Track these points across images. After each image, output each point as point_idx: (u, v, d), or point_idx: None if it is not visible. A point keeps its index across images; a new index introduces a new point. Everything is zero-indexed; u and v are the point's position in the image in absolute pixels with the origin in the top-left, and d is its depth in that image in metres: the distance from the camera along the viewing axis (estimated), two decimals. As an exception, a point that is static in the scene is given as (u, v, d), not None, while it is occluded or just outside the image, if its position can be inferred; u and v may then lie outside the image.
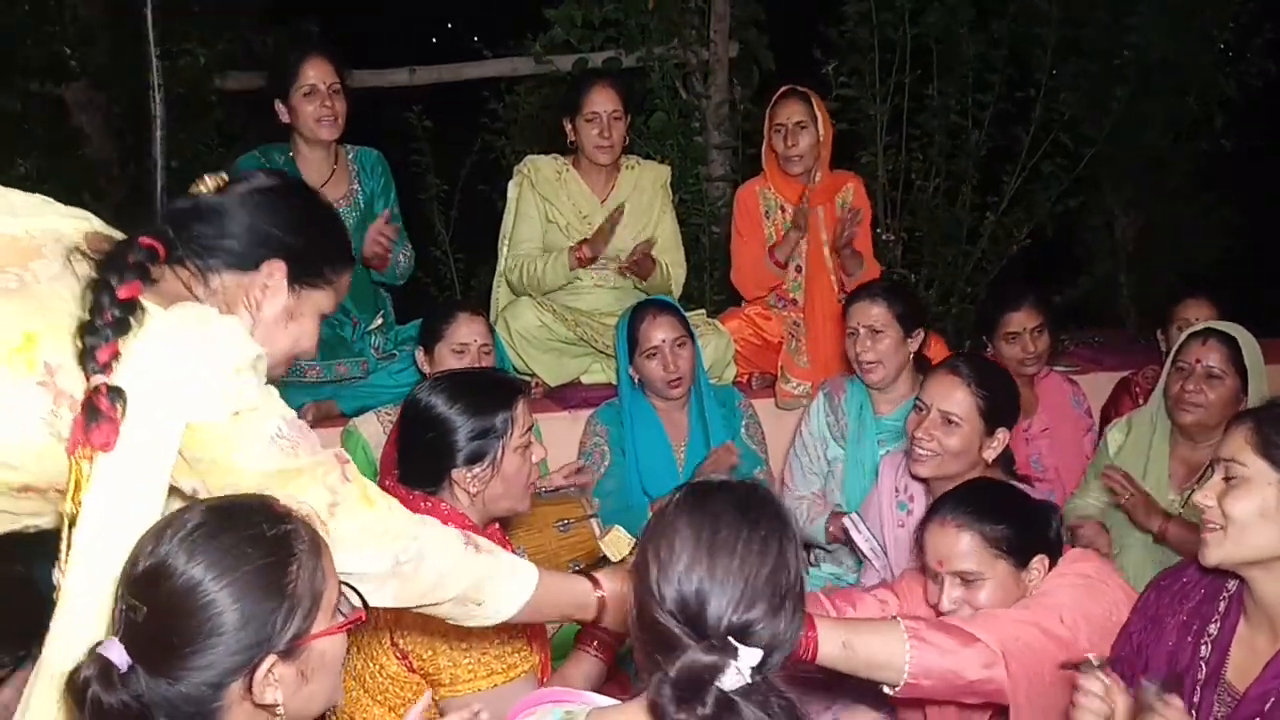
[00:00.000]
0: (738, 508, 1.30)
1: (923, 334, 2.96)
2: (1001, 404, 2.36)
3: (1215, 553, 1.69)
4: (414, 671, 1.75)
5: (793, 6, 4.73)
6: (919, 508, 2.47)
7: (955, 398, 2.33)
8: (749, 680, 1.21)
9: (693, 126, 4.58)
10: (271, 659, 1.21)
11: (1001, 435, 2.36)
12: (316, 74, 3.12)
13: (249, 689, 1.21)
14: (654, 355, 2.94)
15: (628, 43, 4.54)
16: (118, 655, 1.18)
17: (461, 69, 4.87)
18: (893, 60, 4.47)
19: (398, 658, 1.74)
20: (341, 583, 1.32)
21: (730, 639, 1.23)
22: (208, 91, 4.62)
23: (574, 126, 3.44)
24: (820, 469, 3.03)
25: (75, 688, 1.18)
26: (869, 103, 4.49)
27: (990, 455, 2.35)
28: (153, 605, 1.19)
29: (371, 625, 1.76)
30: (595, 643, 1.87)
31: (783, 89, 3.59)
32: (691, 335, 3.02)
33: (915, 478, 2.46)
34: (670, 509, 1.32)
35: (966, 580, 1.97)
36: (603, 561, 2.53)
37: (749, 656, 1.22)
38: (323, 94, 3.13)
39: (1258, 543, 1.65)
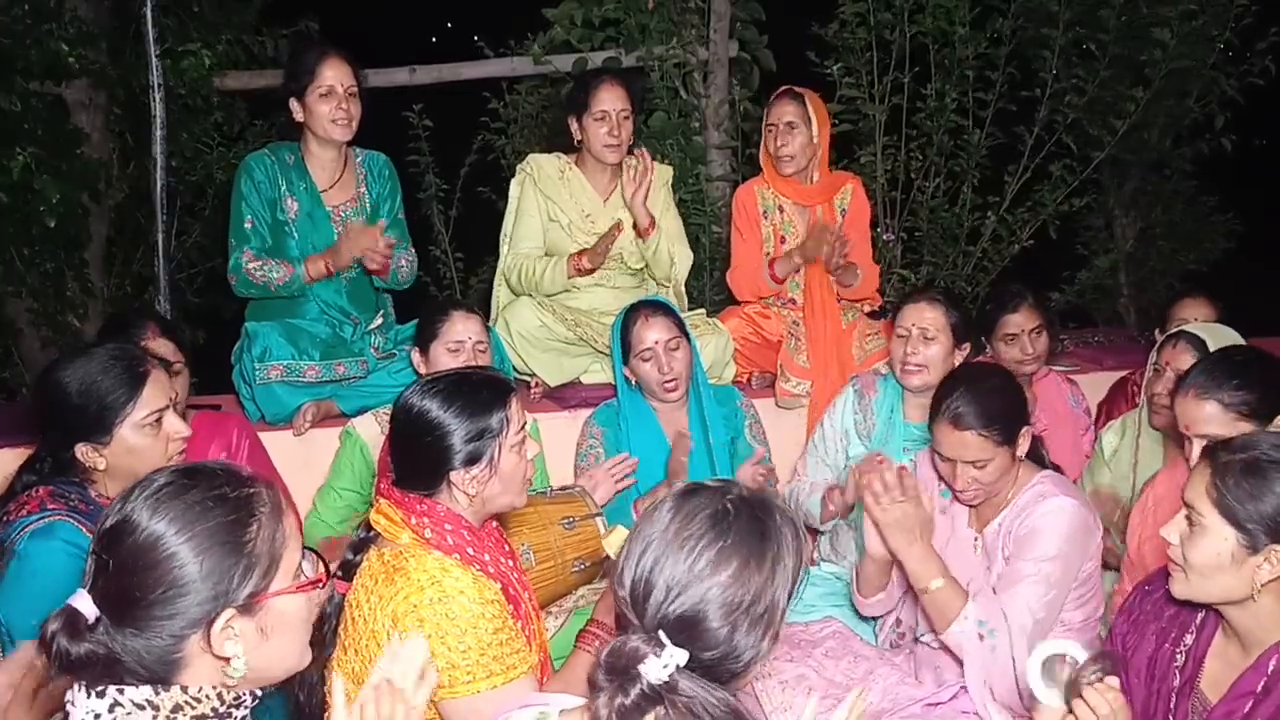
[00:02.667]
0: (715, 514, 1.33)
1: (969, 349, 2.91)
2: (1008, 412, 2.30)
3: (1177, 589, 1.71)
4: (412, 673, 1.74)
5: (794, 6, 4.73)
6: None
7: (969, 446, 2.27)
8: (667, 679, 1.24)
9: (692, 126, 4.58)
10: (229, 613, 1.26)
11: (1025, 433, 2.32)
12: (334, 75, 3.13)
13: (208, 641, 1.26)
14: (648, 357, 2.92)
15: (627, 42, 4.54)
16: (85, 605, 1.24)
17: (461, 68, 4.88)
18: (890, 60, 4.47)
19: (396, 660, 1.74)
20: (306, 548, 1.37)
21: (661, 633, 1.26)
22: (207, 91, 4.62)
23: (581, 125, 3.42)
24: (836, 463, 3.02)
25: (44, 641, 1.24)
26: (867, 103, 4.49)
27: (1022, 453, 2.34)
28: (117, 559, 1.25)
29: (368, 628, 1.76)
30: (597, 643, 1.87)
31: (780, 89, 3.57)
32: (687, 335, 2.99)
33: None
34: (662, 499, 1.36)
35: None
36: (606, 560, 2.54)
37: (674, 655, 1.25)
38: (339, 95, 3.14)
39: (1214, 590, 1.66)
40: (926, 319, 2.84)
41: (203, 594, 1.25)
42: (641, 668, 1.25)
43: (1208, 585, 1.66)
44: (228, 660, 1.27)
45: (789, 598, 1.35)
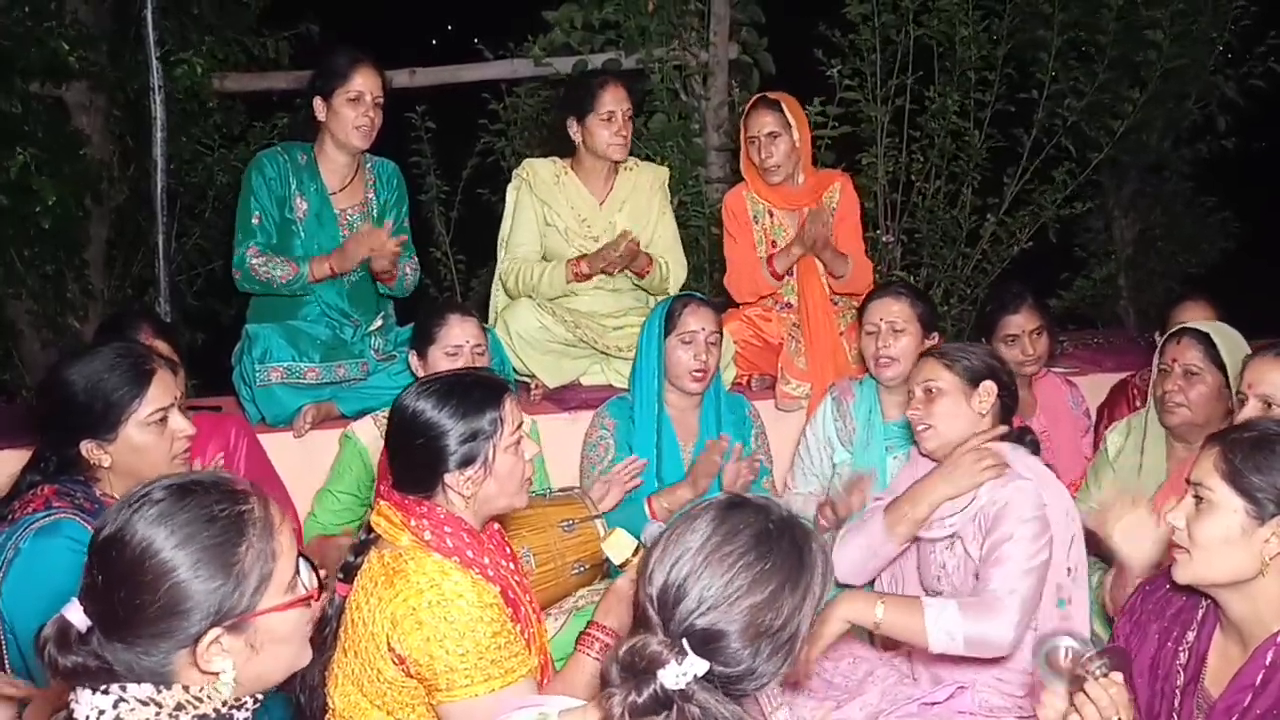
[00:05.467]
0: (758, 534, 1.33)
1: (937, 337, 2.97)
2: (975, 362, 2.41)
3: (1183, 573, 1.72)
4: (411, 676, 1.74)
5: (794, 9, 4.73)
6: None
7: (928, 367, 2.43)
8: (683, 687, 1.24)
9: (692, 128, 4.58)
10: (216, 632, 1.26)
11: (986, 387, 2.38)
12: (365, 83, 3.17)
13: (194, 657, 1.26)
14: (689, 340, 2.95)
15: (627, 44, 4.55)
16: (76, 616, 1.26)
17: (461, 70, 4.88)
18: (894, 62, 4.47)
19: (395, 662, 1.73)
20: (303, 556, 1.37)
21: (685, 641, 1.27)
22: (207, 94, 4.61)
23: (584, 126, 3.46)
24: (822, 471, 3.03)
25: (38, 648, 1.25)
26: (870, 105, 4.49)
27: (982, 409, 2.37)
28: (106, 575, 1.25)
29: (367, 630, 1.76)
30: (597, 646, 1.87)
31: (754, 98, 3.58)
32: (721, 337, 3.04)
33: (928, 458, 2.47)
34: (705, 505, 1.38)
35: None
36: (606, 562, 2.54)
37: (694, 664, 1.25)
38: (367, 104, 3.18)
39: (1222, 568, 1.68)
40: (894, 312, 2.91)
41: (188, 615, 1.25)
42: (660, 673, 1.25)
43: (1214, 564, 1.68)
44: (216, 675, 1.28)
45: (809, 626, 1.35)
